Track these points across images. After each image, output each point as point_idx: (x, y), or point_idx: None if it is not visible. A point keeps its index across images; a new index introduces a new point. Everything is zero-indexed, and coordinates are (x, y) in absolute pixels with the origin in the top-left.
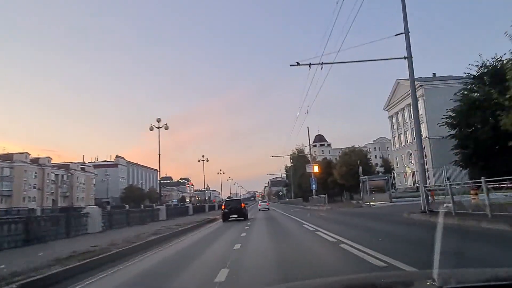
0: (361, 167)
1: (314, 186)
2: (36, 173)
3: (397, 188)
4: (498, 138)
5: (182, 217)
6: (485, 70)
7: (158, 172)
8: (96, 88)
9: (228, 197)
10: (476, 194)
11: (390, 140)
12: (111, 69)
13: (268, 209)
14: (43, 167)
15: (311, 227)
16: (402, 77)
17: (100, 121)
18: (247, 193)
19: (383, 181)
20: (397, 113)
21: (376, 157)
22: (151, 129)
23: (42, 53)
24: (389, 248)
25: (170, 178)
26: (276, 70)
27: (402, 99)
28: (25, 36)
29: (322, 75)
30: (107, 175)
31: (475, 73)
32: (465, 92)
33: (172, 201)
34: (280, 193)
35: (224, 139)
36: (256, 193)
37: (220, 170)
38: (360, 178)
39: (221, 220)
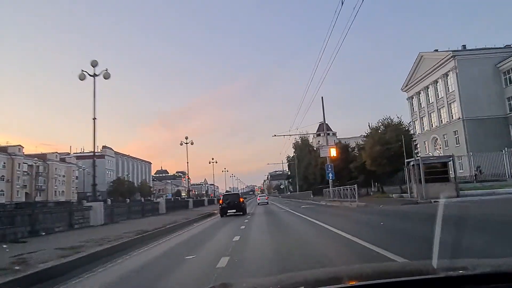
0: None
1: (331, 175)
2: (4, 163)
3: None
4: None
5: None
6: None
7: (151, 163)
8: (92, 82)
9: (227, 191)
10: None
11: (407, 125)
12: (107, 63)
13: (267, 203)
14: (12, 157)
15: None
16: (425, 50)
17: (98, 116)
18: (246, 187)
19: (442, 166)
20: (418, 93)
21: None
22: (82, 78)
23: (39, 47)
24: None
25: (166, 172)
26: (275, 61)
27: (426, 76)
28: (21, 29)
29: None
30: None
31: None
32: None
33: (166, 195)
34: (282, 187)
35: (223, 133)
36: (255, 187)
37: (213, 159)
38: (406, 161)
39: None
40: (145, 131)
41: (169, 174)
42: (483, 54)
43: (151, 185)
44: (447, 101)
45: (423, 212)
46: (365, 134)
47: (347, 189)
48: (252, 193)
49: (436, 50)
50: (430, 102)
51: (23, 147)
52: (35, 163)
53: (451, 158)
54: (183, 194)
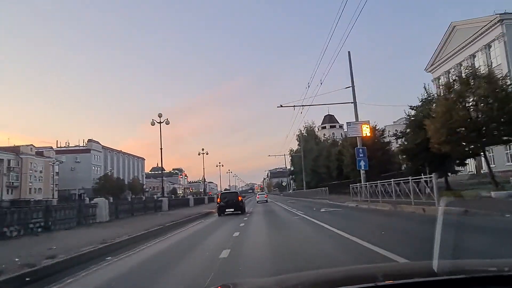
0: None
1: (363, 163)
2: None
3: None
4: None
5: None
6: None
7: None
8: (94, 80)
9: (225, 189)
10: None
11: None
12: (108, 60)
13: (267, 201)
14: None
15: None
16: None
17: (98, 113)
18: (246, 185)
19: None
20: (447, 72)
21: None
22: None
23: (40, 46)
24: None
25: (162, 169)
26: (276, 59)
27: (459, 50)
28: (23, 29)
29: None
30: (77, 161)
31: None
32: None
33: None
34: (283, 184)
35: (223, 132)
36: (255, 186)
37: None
38: None
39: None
40: (144, 128)
41: (165, 172)
42: None
43: (143, 182)
44: None
45: None
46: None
47: (409, 182)
48: (251, 191)
49: None
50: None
51: None
52: (9, 159)
53: None
54: (179, 192)
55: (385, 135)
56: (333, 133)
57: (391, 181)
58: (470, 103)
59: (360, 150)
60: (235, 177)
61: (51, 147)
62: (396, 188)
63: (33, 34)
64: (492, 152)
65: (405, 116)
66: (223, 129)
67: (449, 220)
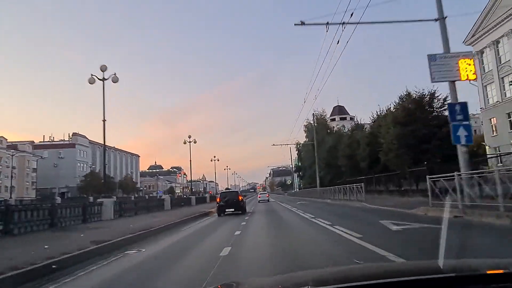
0: None
1: (463, 134)
2: None
3: None
4: None
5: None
6: None
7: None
8: (94, 75)
9: (226, 189)
10: None
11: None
12: (108, 60)
13: (268, 200)
14: None
15: None
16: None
17: (99, 112)
18: (247, 184)
19: None
20: (495, 43)
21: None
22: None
23: (40, 44)
24: None
25: (160, 167)
26: (277, 57)
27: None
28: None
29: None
30: (61, 157)
31: None
32: None
33: (157, 192)
34: (288, 182)
35: (224, 131)
36: (257, 185)
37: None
38: None
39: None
40: (145, 128)
41: (163, 170)
42: None
43: (137, 181)
44: None
45: None
46: None
47: None
48: (253, 190)
49: None
50: (505, 61)
51: None
52: None
53: None
54: (178, 191)
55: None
56: (343, 126)
57: None
58: None
59: (458, 107)
60: (237, 176)
61: (33, 142)
62: None
63: (34, 34)
64: None
65: None
66: (223, 129)
67: None
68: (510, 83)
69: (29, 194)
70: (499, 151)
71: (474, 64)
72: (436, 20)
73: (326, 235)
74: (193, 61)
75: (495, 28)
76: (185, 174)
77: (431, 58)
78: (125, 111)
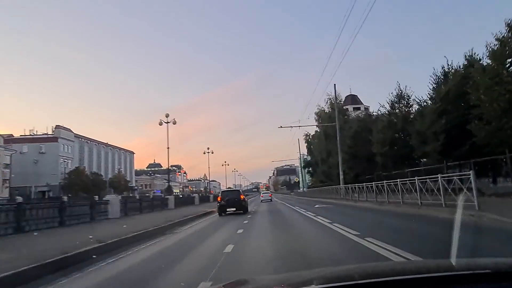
0: None
1: None
2: None
3: None
4: None
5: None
6: None
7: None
8: (99, 78)
9: (228, 188)
10: None
11: None
12: (113, 59)
13: (271, 200)
14: None
15: None
16: None
17: (103, 111)
18: (250, 184)
19: None
20: None
21: None
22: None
23: (46, 42)
24: None
25: (159, 165)
26: (281, 57)
27: None
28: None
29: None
30: (42, 152)
31: None
32: None
33: (154, 192)
34: (296, 180)
35: (228, 130)
36: (260, 184)
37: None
38: None
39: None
40: (149, 127)
41: (162, 168)
42: None
43: (131, 179)
44: None
45: None
46: None
47: None
48: (256, 190)
49: None
50: None
51: None
52: None
53: None
54: (176, 190)
55: None
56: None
57: None
58: None
59: None
60: (238, 174)
61: (11, 135)
62: None
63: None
64: None
65: None
66: (227, 128)
67: None
68: None
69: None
70: None
71: None
72: None
73: None
74: (197, 60)
75: None
76: (185, 172)
77: None
78: (129, 110)
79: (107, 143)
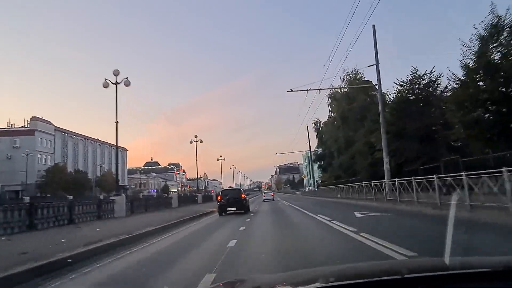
0: None
1: None
2: None
3: None
4: None
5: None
6: None
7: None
8: (99, 78)
9: (229, 187)
10: None
11: None
12: (113, 59)
13: (273, 199)
14: None
15: None
16: None
17: (103, 111)
18: (252, 183)
19: None
20: None
21: None
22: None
23: (46, 42)
24: None
25: (157, 164)
26: (281, 56)
27: None
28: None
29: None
30: (16, 147)
31: None
32: None
33: (149, 191)
34: (303, 176)
35: (228, 130)
36: (262, 184)
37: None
38: None
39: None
40: (151, 127)
41: (160, 167)
42: None
43: (123, 178)
44: None
45: None
46: None
47: None
48: (258, 189)
49: None
50: None
51: None
52: None
53: None
54: (173, 190)
55: None
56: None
57: None
58: None
59: None
60: (238, 173)
61: None
62: None
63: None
64: None
65: None
66: (227, 128)
67: None
68: None
69: None
70: None
71: None
72: None
73: None
74: (197, 60)
75: None
76: (184, 171)
77: None
78: (130, 111)
79: (98, 139)
